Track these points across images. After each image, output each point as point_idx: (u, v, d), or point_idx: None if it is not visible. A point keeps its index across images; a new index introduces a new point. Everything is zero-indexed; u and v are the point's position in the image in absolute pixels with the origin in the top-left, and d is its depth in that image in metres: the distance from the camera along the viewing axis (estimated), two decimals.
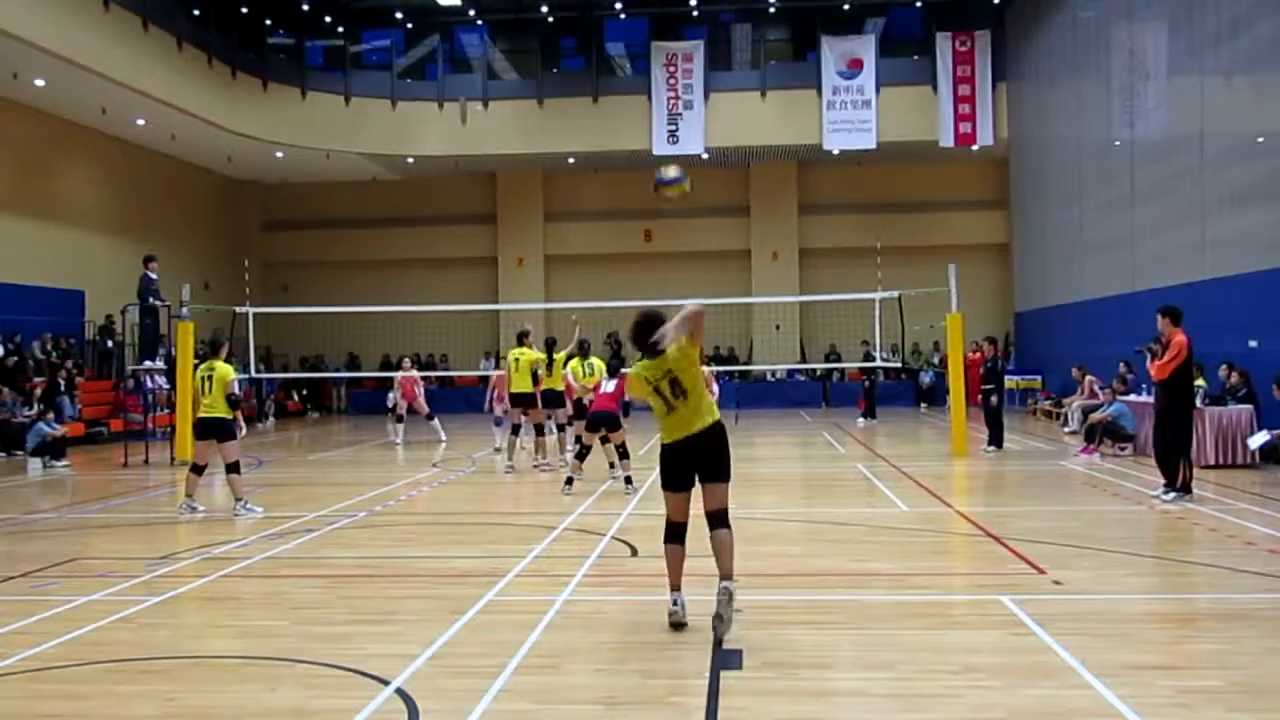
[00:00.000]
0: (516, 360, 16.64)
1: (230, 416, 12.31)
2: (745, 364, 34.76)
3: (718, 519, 7.01)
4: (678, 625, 7.04)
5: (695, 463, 7.07)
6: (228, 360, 12.83)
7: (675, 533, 7.10)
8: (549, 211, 37.11)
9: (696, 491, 7.22)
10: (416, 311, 29.29)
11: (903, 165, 35.19)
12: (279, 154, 32.72)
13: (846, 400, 32.70)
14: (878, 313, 23.08)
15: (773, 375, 35.09)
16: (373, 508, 12.89)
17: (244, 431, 12.29)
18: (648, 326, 7.18)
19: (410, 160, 34.13)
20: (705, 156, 33.42)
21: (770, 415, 30.82)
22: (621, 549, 9.92)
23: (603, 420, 13.81)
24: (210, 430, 12.33)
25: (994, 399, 18.91)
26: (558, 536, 10.63)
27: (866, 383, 27.65)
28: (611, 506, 12.67)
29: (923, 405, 33.14)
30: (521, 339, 17.02)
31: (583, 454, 14.13)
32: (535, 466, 16.56)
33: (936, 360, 33.64)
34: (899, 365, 27.29)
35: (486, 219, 37.35)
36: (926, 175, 35.45)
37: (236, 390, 12.48)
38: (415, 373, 23.25)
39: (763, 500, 12.93)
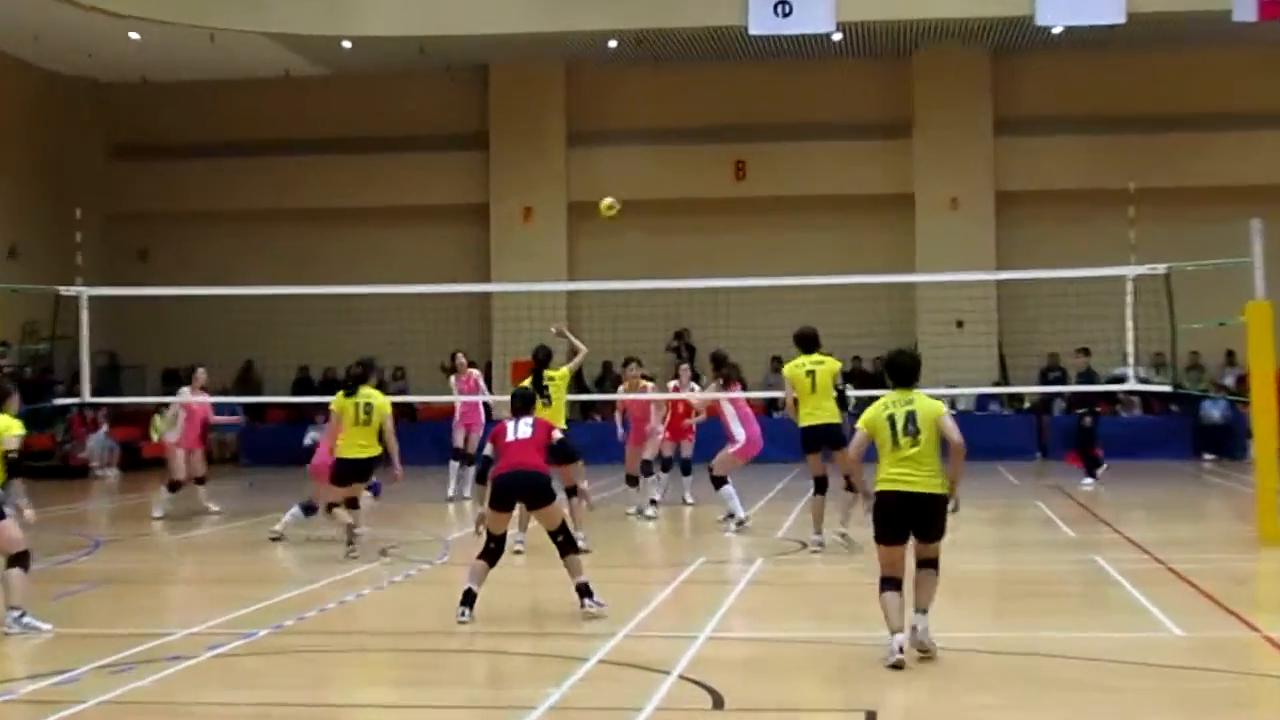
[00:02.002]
0: (549, 381, 17.60)
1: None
2: None
3: (928, 565, 11.01)
4: (897, 666, 10.35)
5: (911, 522, 10.80)
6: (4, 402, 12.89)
7: (891, 584, 10.80)
8: (576, 132, 37.01)
9: None
10: (357, 295, 29.26)
11: (1167, 55, 35.03)
12: (134, 34, 32.93)
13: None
14: (1130, 300, 22.71)
15: (952, 404, 34.71)
16: (282, 620, 12.88)
17: (28, 513, 12.35)
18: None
19: (348, 45, 34.25)
20: (837, 38, 33.19)
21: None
22: (695, 696, 9.88)
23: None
24: None
25: None
26: (586, 674, 10.67)
27: (1087, 420, 27.53)
28: (685, 616, 12.70)
29: (1205, 455, 33.06)
30: (544, 357, 17.92)
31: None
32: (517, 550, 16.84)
33: (1231, 381, 33.39)
34: (1167, 388, 26.90)
35: (472, 143, 37.44)
36: (1206, 72, 35.31)
37: (13, 447, 12.52)
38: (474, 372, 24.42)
39: (941, 614, 12.68)
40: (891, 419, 11.03)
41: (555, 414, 17.12)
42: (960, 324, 33.94)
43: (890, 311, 34.11)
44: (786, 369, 17.29)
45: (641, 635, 12.11)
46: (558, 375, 17.54)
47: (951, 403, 34.74)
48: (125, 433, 34.47)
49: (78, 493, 28.49)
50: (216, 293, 28.66)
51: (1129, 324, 22.51)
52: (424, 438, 33.98)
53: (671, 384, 22.97)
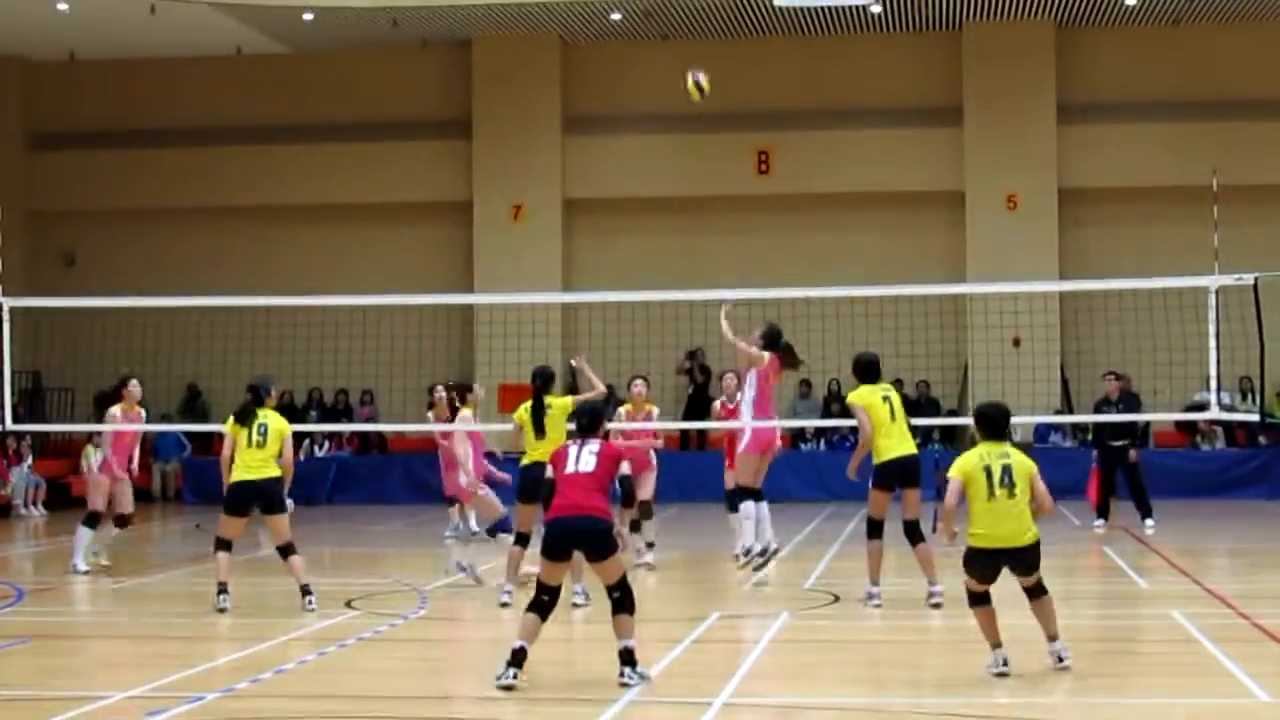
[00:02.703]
0: (546, 410, 17.39)
1: None
2: (953, 413, 34.32)
3: (1036, 592, 12.73)
4: (1001, 675, 12.26)
5: (1007, 565, 12.55)
6: None
7: (981, 599, 12.56)
8: (573, 118, 37.12)
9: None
10: (320, 307, 29.27)
11: (1258, 32, 35.09)
12: (61, 4, 33.02)
13: (1157, 483, 32.18)
14: (1213, 313, 22.75)
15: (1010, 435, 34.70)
16: (232, 683, 12.88)
17: None
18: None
19: (309, 18, 34.36)
20: (876, 10, 33.37)
21: None
22: None
23: None
24: None
25: None
26: None
27: (1133, 452, 27.59)
28: (698, 680, 12.72)
29: None
30: (543, 381, 17.69)
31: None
32: (575, 604, 17.00)
33: None
34: (1254, 417, 26.98)
35: (454, 131, 37.54)
36: None
37: None
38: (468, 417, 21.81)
39: (1002, 682, 12.79)
40: (988, 470, 12.42)
41: (549, 449, 17.08)
42: (1018, 342, 33.96)
43: (937, 327, 34.07)
44: (858, 397, 17.11)
45: (649, 701, 12.08)
46: (557, 405, 17.47)
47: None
48: (52, 466, 34.49)
49: None
50: (156, 304, 28.62)
51: (1211, 342, 22.52)
52: (395, 472, 34.22)
53: (718, 403, 22.34)
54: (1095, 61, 35.99)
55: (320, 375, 34.61)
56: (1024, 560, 12.52)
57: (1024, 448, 34.80)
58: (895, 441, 16.95)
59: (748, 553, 18.55)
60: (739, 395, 19.45)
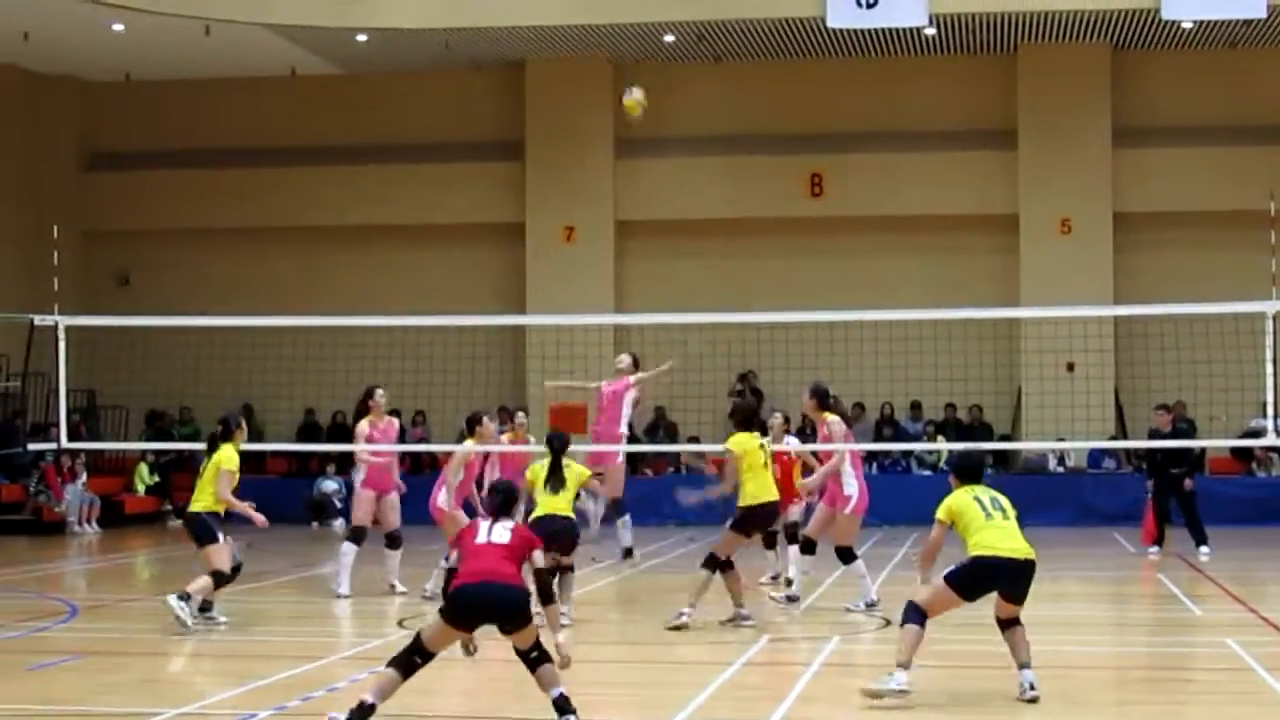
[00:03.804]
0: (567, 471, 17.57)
1: None
2: (1006, 438, 34.25)
3: (1015, 622, 12.67)
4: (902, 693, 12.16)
5: (1003, 585, 12.60)
6: None
7: (923, 618, 12.50)
8: (625, 140, 37.12)
9: None
10: (372, 328, 29.42)
11: None
12: (117, 26, 33.23)
13: (1211, 510, 32.02)
14: (1270, 340, 22.67)
15: (1060, 461, 34.59)
16: (285, 701, 12.94)
17: None
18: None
19: (363, 39, 34.52)
20: (930, 32, 33.35)
21: (1057, 536, 30.33)
22: None
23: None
24: None
25: None
26: None
27: (1189, 481, 27.48)
28: (746, 705, 12.70)
29: None
30: (561, 445, 17.78)
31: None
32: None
33: None
34: None
35: (506, 153, 37.61)
36: None
37: None
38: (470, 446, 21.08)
39: (1056, 705, 12.76)
40: (978, 499, 12.85)
41: (563, 504, 17.18)
42: (1071, 366, 33.83)
43: (990, 351, 34.11)
44: (735, 444, 17.53)
45: None
46: (573, 470, 17.61)
47: (1060, 458, 34.74)
48: (105, 484, 34.64)
49: (53, 551, 28.74)
50: (209, 323, 28.88)
51: (1268, 368, 22.45)
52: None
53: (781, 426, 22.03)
54: (1150, 85, 35.88)
55: (358, 388, 34.60)
56: (1023, 579, 12.59)
57: (1076, 473, 35.02)
58: (761, 488, 17.40)
59: (871, 605, 18.69)
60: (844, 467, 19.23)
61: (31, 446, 27.56)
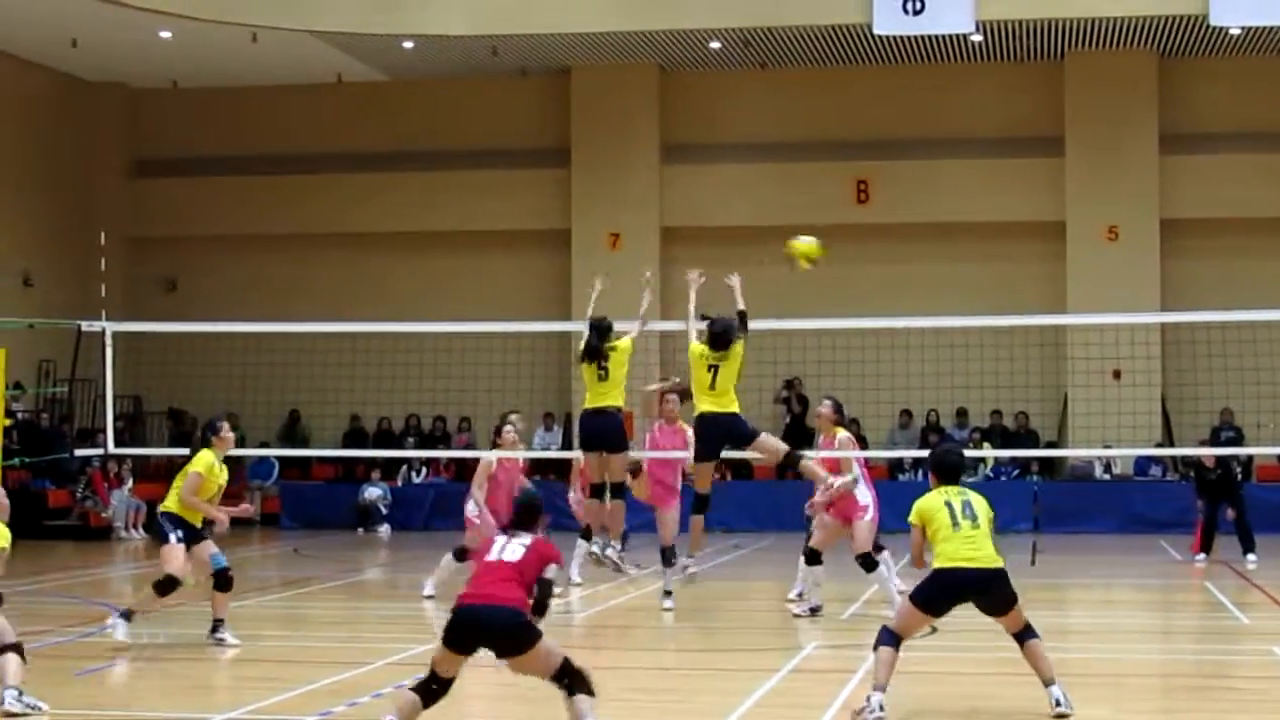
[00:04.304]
0: (609, 353, 18.67)
1: None
2: (1052, 445, 34.15)
3: (1026, 634, 12.21)
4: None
5: (974, 598, 12.12)
6: None
7: (896, 640, 12.22)
8: (671, 146, 37.19)
9: None
10: (418, 334, 29.47)
11: None
12: (164, 33, 33.39)
13: (1259, 518, 31.87)
14: None
15: (1107, 468, 34.51)
16: (330, 706, 12.96)
17: None
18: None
19: (409, 46, 34.62)
20: (976, 39, 33.31)
21: (1103, 544, 30.32)
22: None
23: None
24: None
25: None
26: None
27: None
28: (794, 713, 12.75)
29: None
30: (604, 329, 19.06)
31: None
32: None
33: None
34: None
35: (552, 159, 37.69)
36: None
37: None
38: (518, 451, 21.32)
39: (1101, 713, 12.74)
40: (949, 505, 12.21)
41: (613, 389, 17.51)
42: (1118, 374, 33.80)
43: (1037, 358, 34.02)
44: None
45: None
46: (620, 346, 17.66)
47: (1106, 466, 34.64)
48: (152, 490, 34.72)
49: (99, 556, 28.86)
50: (256, 329, 28.90)
51: None
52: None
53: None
54: (1198, 91, 35.76)
55: (418, 402, 34.82)
56: (992, 588, 12.09)
57: (1122, 481, 34.99)
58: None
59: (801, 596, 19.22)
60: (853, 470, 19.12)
61: (78, 452, 27.63)
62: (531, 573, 10.94)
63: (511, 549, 11.01)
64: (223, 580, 16.54)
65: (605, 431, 18.15)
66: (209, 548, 16.62)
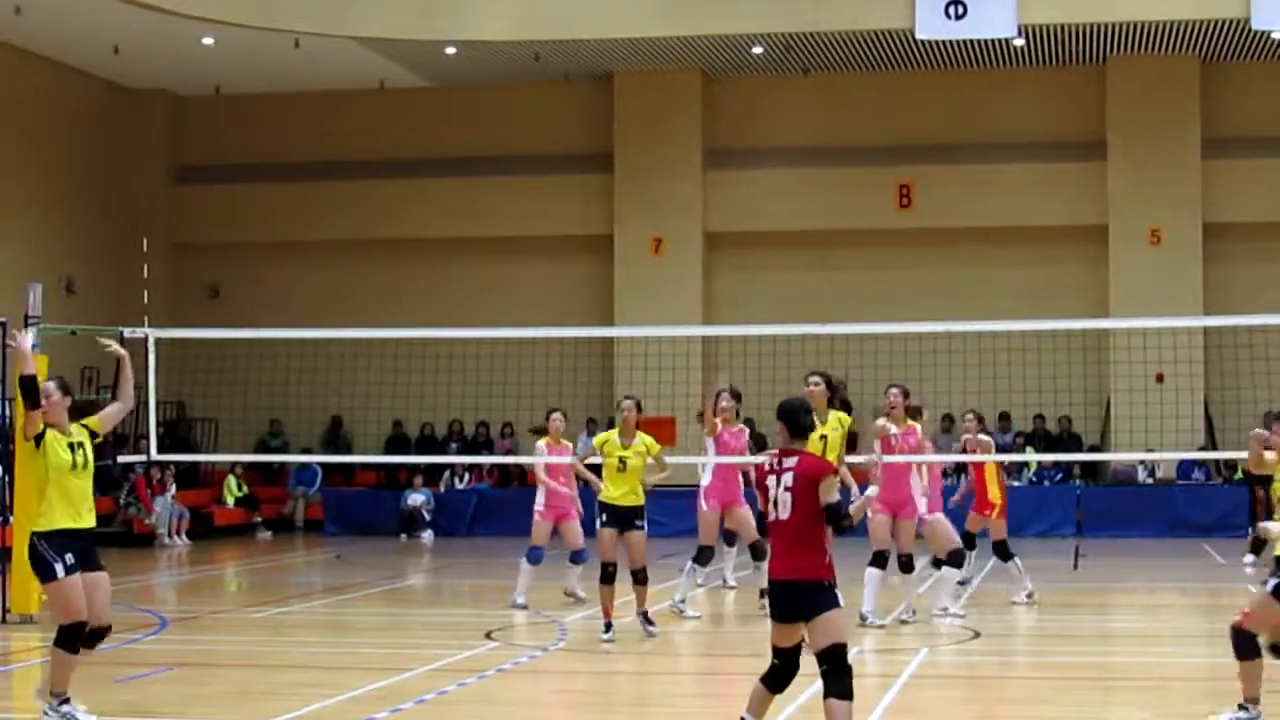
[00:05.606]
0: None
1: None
2: (1095, 449, 34.04)
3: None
4: None
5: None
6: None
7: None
8: (714, 151, 37.16)
9: None
10: (460, 340, 29.49)
11: None
12: (207, 39, 33.49)
13: None
14: None
15: (1150, 473, 34.36)
16: (372, 713, 13.01)
17: (63, 568, 11.15)
18: None
19: (452, 52, 34.66)
20: (1019, 44, 33.21)
21: (1147, 547, 30.23)
22: None
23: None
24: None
25: None
26: None
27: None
28: None
29: None
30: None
31: None
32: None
33: None
34: None
35: (595, 165, 37.68)
36: None
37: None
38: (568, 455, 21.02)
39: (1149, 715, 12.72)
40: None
41: (629, 480, 17.32)
42: (1161, 378, 33.63)
43: (1079, 362, 33.87)
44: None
45: None
46: (646, 441, 17.54)
47: (1150, 470, 34.50)
48: (195, 496, 34.88)
49: (143, 563, 28.94)
50: (298, 335, 28.92)
51: None
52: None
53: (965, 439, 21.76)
54: (1240, 95, 35.61)
55: (461, 408, 34.84)
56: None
57: (1165, 485, 34.78)
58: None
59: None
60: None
61: (121, 459, 27.68)
62: (810, 514, 10.36)
63: (782, 498, 10.43)
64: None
65: (624, 515, 17.57)
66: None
